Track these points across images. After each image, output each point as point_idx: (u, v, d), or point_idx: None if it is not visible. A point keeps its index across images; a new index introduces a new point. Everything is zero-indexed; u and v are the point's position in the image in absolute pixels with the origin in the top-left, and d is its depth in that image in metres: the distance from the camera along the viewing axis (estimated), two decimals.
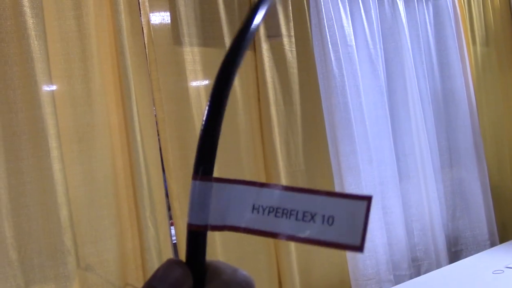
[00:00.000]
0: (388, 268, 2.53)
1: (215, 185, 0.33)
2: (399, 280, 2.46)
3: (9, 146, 1.57)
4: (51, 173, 1.60)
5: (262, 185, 0.33)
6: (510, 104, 3.34)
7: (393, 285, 2.46)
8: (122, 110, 1.77)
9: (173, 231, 2.02)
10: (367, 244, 2.47)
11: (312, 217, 0.31)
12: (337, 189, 2.45)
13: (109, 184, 1.76)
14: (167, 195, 1.95)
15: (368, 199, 0.31)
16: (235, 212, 0.33)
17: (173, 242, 2.01)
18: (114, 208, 1.77)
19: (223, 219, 0.32)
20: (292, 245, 2.19)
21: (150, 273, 1.78)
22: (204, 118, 0.34)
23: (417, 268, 2.71)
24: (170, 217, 2.02)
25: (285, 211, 0.32)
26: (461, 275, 2.31)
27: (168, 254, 1.90)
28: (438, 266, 2.66)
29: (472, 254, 2.76)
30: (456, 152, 3.05)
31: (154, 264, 1.78)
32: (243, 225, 0.32)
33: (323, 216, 0.31)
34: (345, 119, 2.44)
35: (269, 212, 0.32)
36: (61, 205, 1.61)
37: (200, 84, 2.04)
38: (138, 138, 1.78)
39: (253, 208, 0.32)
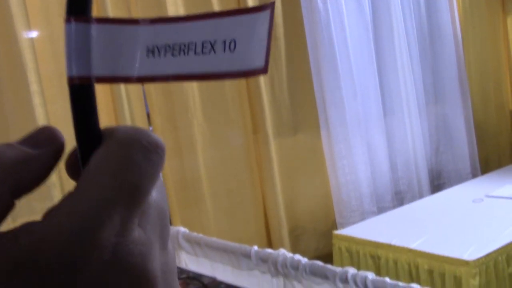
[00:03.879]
0: (371, 200, 2.59)
1: (96, 27, 0.26)
2: (382, 211, 2.52)
3: None
4: (32, 109, 1.59)
5: (153, 21, 0.27)
6: (496, 41, 3.34)
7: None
8: None
9: None
10: (351, 177, 2.51)
11: (212, 46, 0.26)
12: (322, 124, 2.47)
13: None
14: None
15: (269, 7, 0.26)
16: (126, 58, 0.27)
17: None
18: None
19: (112, 68, 0.27)
20: (277, 177, 2.22)
21: None
22: None
23: (400, 200, 2.78)
24: None
25: (183, 47, 0.27)
26: (442, 204, 2.37)
27: None
28: (421, 198, 2.73)
29: None
30: (441, 88, 3.06)
31: None
32: (136, 73, 0.27)
33: (224, 42, 0.26)
34: (329, 54, 2.43)
35: (165, 52, 0.27)
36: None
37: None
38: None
39: (148, 50, 0.27)
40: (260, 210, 2.25)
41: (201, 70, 0.27)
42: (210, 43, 0.27)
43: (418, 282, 1.77)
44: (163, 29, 0.27)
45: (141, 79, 0.27)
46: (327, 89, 2.44)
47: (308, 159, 2.42)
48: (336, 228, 2.40)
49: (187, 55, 0.27)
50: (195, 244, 1.74)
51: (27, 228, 0.21)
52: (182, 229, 1.84)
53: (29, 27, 1.63)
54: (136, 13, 1.87)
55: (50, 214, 0.22)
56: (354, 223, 2.38)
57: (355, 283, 1.22)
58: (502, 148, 3.37)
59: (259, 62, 0.26)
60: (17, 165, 0.23)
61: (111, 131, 0.24)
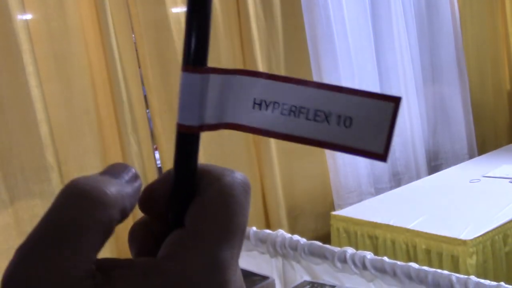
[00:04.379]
0: (369, 181, 2.60)
1: (211, 76, 0.27)
2: (380, 192, 2.53)
3: None
4: (28, 90, 1.58)
5: (268, 76, 0.27)
6: (494, 20, 3.31)
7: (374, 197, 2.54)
8: (97, 23, 1.72)
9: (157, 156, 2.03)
10: (348, 158, 2.52)
11: (326, 116, 0.26)
12: None
13: (89, 100, 1.75)
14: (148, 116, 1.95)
15: (396, 100, 0.26)
16: (234, 107, 0.27)
17: (158, 166, 2.03)
18: (95, 125, 1.77)
19: (220, 117, 0.27)
20: (275, 158, 2.22)
21: None
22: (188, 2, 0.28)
23: (398, 181, 2.79)
24: (153, 142, 2.03)
25: (294, 109, 0.27)
26: (439, 185, 2.38)
27: (153, 172, 1.92)
28: (418, 179, 2.73)
29: None
30: (438, 68, 3.05)
31: None
32: (243, 122, 0.27)
33: (339, 117, 0.26)
34: (327, 34, 2.41)
35: (273, 108, 0.27)
36: (40, 122, 1.60)
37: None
38: (116, 54, 1.75)
39: (255, 103, 0.27)
40: (258, 191, 2.25)
41: (313, 136, 0.26)
42: (324, 114, 0.26)
43: (416, 261, 1.77)
44: (277, 86, 0.27)
45: (246, 129, 0.27)
46: (325, 70, 2.43)
47: None
48: (334, 209, 2.40)
49: (297, 118, 0.27)
50: None
51: (152, 265, 0.23)
52: None
53: (23, 8, 1.61)
54: (135, 10, 1.84)
55: (173, 256, 0.23)
56: (351, 204, 2.39)
57: (354, 262, 1.23)
58: (499, 128, 3.37)
59: (377, 147, 0.26)
60: (122, 193, 0.24)
61: (207, 174, 0.26)
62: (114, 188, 0.24)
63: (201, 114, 0.27)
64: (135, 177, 0.26)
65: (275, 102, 0.27)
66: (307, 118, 0.26)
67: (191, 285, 0.23)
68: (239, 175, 0.26)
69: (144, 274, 0.22)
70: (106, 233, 0.23)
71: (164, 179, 0.26)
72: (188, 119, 0.26)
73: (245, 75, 0.28)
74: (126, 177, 0.25)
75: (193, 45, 0.27)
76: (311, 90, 0.27)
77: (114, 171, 0.25)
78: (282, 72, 2.29)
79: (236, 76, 0.28)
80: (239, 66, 2.16)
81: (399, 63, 2.77)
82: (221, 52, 2.09)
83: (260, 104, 0.27)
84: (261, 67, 2.17)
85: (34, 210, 1.60)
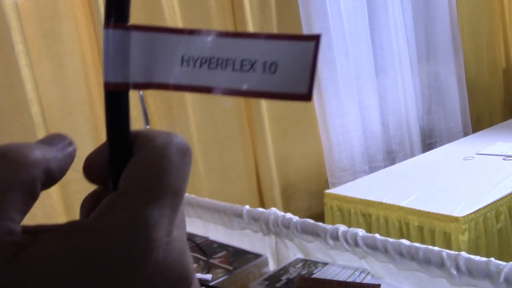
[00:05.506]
0: (363, 160, 2.60)
1: (134, 33, 0.27)
2: (374, 171, 2.53)
3: None
4: (18, 69, 1.56)
5: (191, 32, 0.28)
6: None
7: None
8: (87, 1, 1.70)
9: None
10: (343, 137, 2.51)
11: (252, 65, 0.27)
12: (315, 88, 2.45)
13: (80, 80, 1.73)
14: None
15: (316, 38, 0.26)
16: (161, 66, 0.27)
17: None
18: (87, 104, 1.75)
19: (148, 75, 0.27)
20: (269, 137, 2.22)
21: None
22: None
23: (392, 160, 2.80)
24: (147, 122, 2.02)
25: (220, 61, 0.27)
26: (433, 162, 2.38)
27: None
28: (413, 157, 2.74)
29: None
30: (433, 45, 3.03)
31: None
32: (172, 81, 0.27)
33: (264, 63, 0.26)
34: (321, 11, 2.38)
35: (201, 64, 0.27)
36: (31, 101, 1.58)
37: None
38: None
39: (183, 60, 0.27)
40: (252, 170, 2.25)
41: (240, 86, 0.27)
42: (250, 62, 0.27)
43: (409, 238, 1.79)
44: (201, 41, 0.27)
45: (178, 87, 0.27)
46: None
47: (300, 119, 2.41)
48: (328, 188, 2.41)
49: (224, 70, 0.27)
50: (188, 205, 1.74)
51: (78, 225, 0.23)
52: None
53: None
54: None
55: (100, 215, 0.23)
56: (346, 182, 2.40)
57: (346, 240, 1.23)
58: (494, 106, 3.37)
59: (302, 88, 0.26)
60: (46, 155, 0.24)
61: (145, 135, 0.26)
62: (39, 151, 0.24)
63: (127, 72, 0.27)
64: (69, 144, 0.26)
65: (202, 57, 0.27)
66: (233, 69, 0.27)
67: (114, 242, 0.22)
68: (176, 137, 0.26)
69: (68, 234, 0.22)
70: (30, 193, 0.23)
71: (104, 145, 0.26)
72: (113, 76, 0.26)
73: (170, 33, 0.28)
74: (60, 144, 0.25)
75: (114, 2, 0.27)
76: (235, 41, 0.27)
77: (48, 139, 0.25)
78: None
79: (161, 34, 0.27)
80: None
81: (394, 41, 2.76)
82: (212, 28, 2.07)
83: (188, 61, 0.27)
84: None
85: None
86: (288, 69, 0.26)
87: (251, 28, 2.14)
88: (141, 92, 1.95)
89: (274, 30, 2.26)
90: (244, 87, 0.27)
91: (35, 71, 1.63)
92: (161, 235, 0.23)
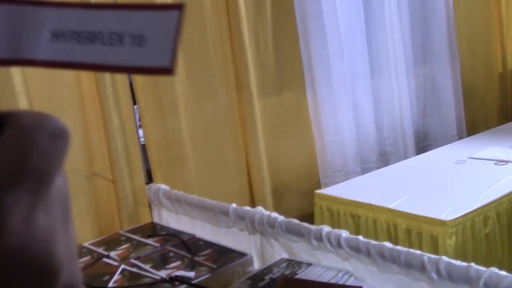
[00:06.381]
0: (356, 161, 2.60)
1: None
2: (367, 172, 2.53)
3: None
4: None
5: (59, 4, 0.27)
6: (487, 1, 3.28)
7: None
8: None
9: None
10: (336, 138, 2.51)
11: (120, 38, 0.26)
12: (308, 84, 2.45)
13: (70, 74, 1.72)
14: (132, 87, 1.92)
15: (179, 7, 0.26)
16: (29, 41, 0.26)
17: (142, 143, 2.01)
18: (76, 98, 1.75)
19: (15, 51, 0.26)
20: (260, 135, 2.21)
21: (116, 163, 1.80)
22: None
23: (386, 161, 2.79)
24: (139, 119, 2.01)
25: (90, 35, 0.26)
26: (424, 165, 2.38)
27: (136, 148, 1.90)
28: (406, 159, 2.73)
29: None
30: (429, 48, 3.02)
31: (120, 155, 1.79)
32: (41, 56, 0.26)
33: (132, 36, 0.26)
34: (316, 10, 2.38)
35: (71, 38, 0.26)
36: (19, 94, 1.58)
37: None
38: None
39: (52, 34, 0.26)
40: (243, 168, 2.25)
41: (108, 61, 0.26)
42: (118, 35, 0.26)
43: (396, 241, 1.79)
44: (69, 14, 0.26)
45: (46, 63, 0.26)
46: (314, 48, 2.40)
47: (293, 119, 2.41)
48: (321, 188, 2.41)
49: (93, 45, 0.26)
50: (175, 202, 1.74)
51: None
52: (163, 186, 1.83)
53: None
54: None
55: None
56: (338, 183, 2.39)
57: (329, 241, 1.23)
58: (489, 110, 3.36)
59: (166, 61, 0.25)
60: None
61: (13, 116, 0.24)
62: None
63: None
64: None
65: (73, 32, 0.26)
66: (102, 43, 0.26)
67: None
68: (49, 119, 0.24)
69: None
70: None
71: None
72: None
73: (36, 5, 0.26)
74: None
75: None
76: (104, 13, 0.26)
77: None
78: (270, 51, 2.26)
79: (26, 7, 0.26)
80: (225, 42, 2.13)
81: (389, 43, 2.75)
82: (206, 27, 2.06)
83: (57, 36, 0.26)
84: (248, 44, 2.15)
85: None
86: (154, 42, 0.26)
87: (245, 28, 2.13)
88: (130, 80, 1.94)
89: (269, 29, 2.25)
90: (111, 61, 0.26)
91: None
92: (15, 221, 0.21)
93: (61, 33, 0.26)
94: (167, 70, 0.25)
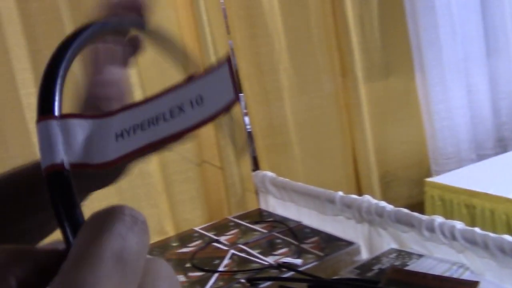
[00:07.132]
0: (470, 147, 2.45)
1: (64, 122, 0.27)
2: (482, 159, 2.37)
3: None
4: None
5: (118, 111, 0.28)
6: None
7: None
8: None
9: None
10: (447, 123, 2.38)
11: (180, 108, 0.28)
12: (417, 66, 2.34)
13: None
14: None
15: (227, 60, 0.28)
16: (99, 148, 0.28)
17: (248, 131, 2.04)
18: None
19: (86, 157, 0.28)
20: (367, 122, 2.16)
21: (224, 151, 1.85)
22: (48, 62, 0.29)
23: (504, 148, 2.60)
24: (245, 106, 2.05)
25: (151, 120, 0.28)
26: None
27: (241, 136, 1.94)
28: None
29: None
30: None
31: (227, 143, 1.84)
32: (111, 158, 0.27)
33: (191, 101, 0.28)
34: None
35: (134, 131, 0.28)
36: (134, 85, 1.66)
37: None
38: (205, 18, 1.77)
39: (116, 136, 0.28)
40: (349, 155, 2.21)
41: (175, 130, 0.28)
42: (178, 107, 0.28)
43: None
44: (129, 114, 0.28)
45: (116, 161, 0.28)
46: (423, 28, 2.28)
47: (400, 104, 2.32)
48: (431, 176, 2.30)
49: (157, 125, 0.28)
50: (282, 189, 1.75)
51: None
52: (269, 173, 1.85)
53: None
54: None
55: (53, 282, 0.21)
56: (450, 171, 2.27)
57: (442, 232, 1.17)
58: None
59: (229, 97, 0.27)
60: (21, 252, 0.24)
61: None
62: None
63: (61, 154, 0.27)
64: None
65: (134, 125, 0.28)
66: (164, 120, 0.28)
67: None
68: (130, 207, 0.24)
69: None
70: None
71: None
72: (49, 160, 0.26)
73: (98, 118, 0.28)
74: None
75: (40, 97, 0.28)
76: (159, 100, 0.28)
77: None
78: (376, 33, 2.18)
79: (89, 121, 0.28)
80: (328, 26, 2.09)
81: (508, 20, 2.54)
82: (310, 12, 2.04)
83: (122, 135, 0.28)
84: (352, 27, 2.09)
85: None
86: (212, 93, 0.28)
87: (349, 9, 2.08)
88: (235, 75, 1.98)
89: (375, 10, 2.17)
90: (181, 128, 0.28)
91: None
92: None
93: (124, 132, 0.28)
94: (233, 101, 0.28)
